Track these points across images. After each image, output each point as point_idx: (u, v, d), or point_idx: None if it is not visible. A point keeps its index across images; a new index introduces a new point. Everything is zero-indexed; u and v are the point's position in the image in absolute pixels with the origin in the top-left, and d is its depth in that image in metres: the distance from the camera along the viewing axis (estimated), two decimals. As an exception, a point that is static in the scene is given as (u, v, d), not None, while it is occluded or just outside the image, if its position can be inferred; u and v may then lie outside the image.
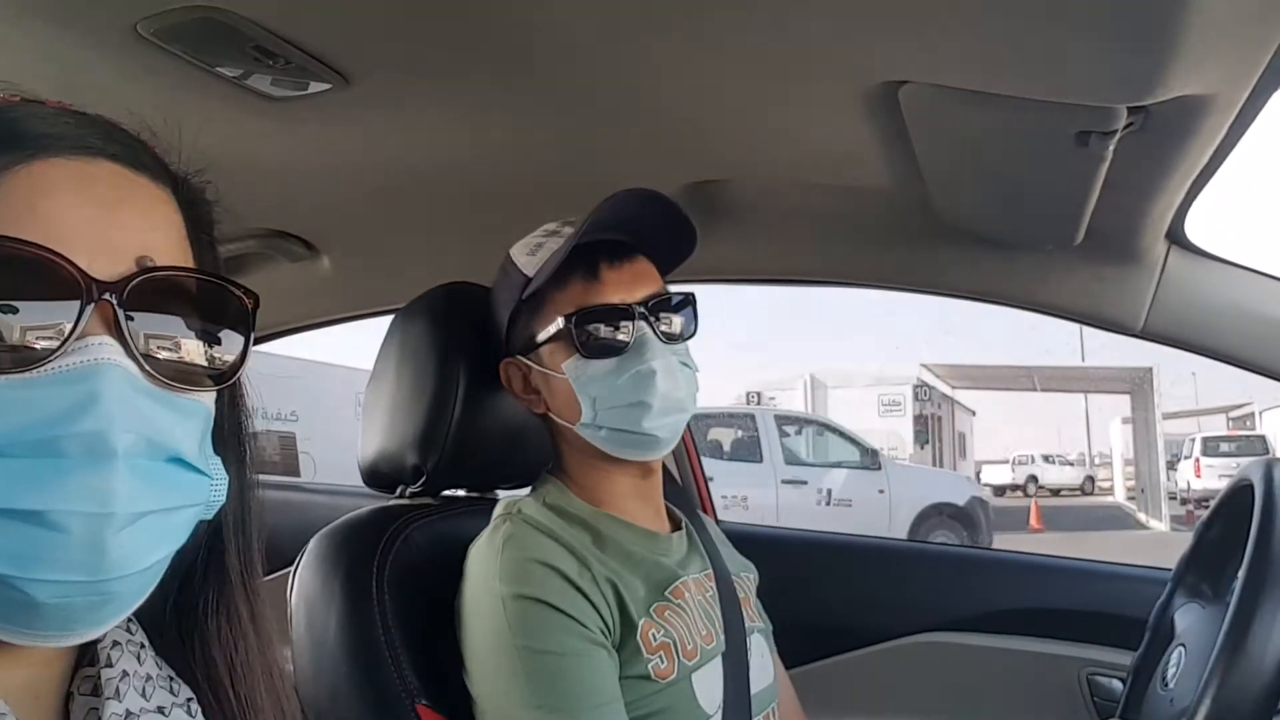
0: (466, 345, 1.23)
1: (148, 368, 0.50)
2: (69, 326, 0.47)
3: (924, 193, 1.34)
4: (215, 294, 0.55)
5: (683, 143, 1.35)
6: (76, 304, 0.48)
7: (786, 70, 1.07)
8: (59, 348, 0.47)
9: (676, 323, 1.15)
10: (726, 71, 1.09)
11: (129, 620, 0.58)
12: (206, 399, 0.55)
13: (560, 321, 1.11)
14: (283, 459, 9.99)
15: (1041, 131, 1.07)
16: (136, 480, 0.48)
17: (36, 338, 0.47)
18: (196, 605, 0.60)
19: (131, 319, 0.49)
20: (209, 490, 0.54)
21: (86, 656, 0.56)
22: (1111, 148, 1.04)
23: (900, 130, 1.14)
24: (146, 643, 0.59)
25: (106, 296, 0.48)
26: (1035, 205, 1.37)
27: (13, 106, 0.53)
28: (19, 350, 0.47)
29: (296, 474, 9.62)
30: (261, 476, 0.65)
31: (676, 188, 1.48)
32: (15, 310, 0.47)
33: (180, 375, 0.52)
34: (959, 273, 1.60)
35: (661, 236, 1.15)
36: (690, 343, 1.18)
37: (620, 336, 1.10)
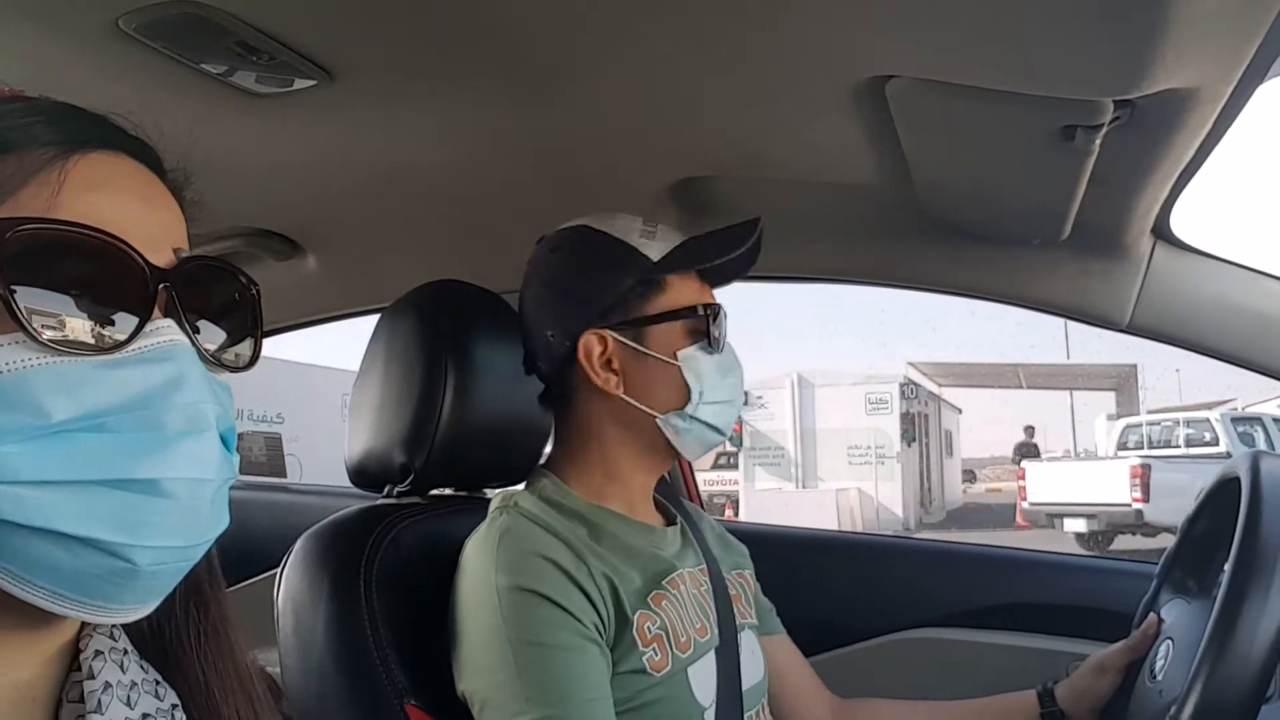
0: (454, 343, 1.23)
1: (202, 350, 0.54)
2: (142, 311, 0.51)
3: (911, 188, 1.35)
4: (233, 284, 0.59)
5: (669, 139, 1.34)
6: (144, 290, 0.51)
7: (773, 65, 1.07)
8: (137, 330, 0.50)
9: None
10: (713, 67, 1.09)
11: (113, 626, 0.58)
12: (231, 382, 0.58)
13: (700, 310, 1.15)
14: (269, 460, 9.96)
15: (1028, 125, 1.07)
16: (220, 450, 0.52)
17: (114, 322, 0.50)
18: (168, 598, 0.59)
19: (184, 305, 0.53)
20: (234, 469, 0.57)
21: (75, 663, 0.55)
22: (1098, 142, 1.04)
23: (887, 125, 1.14)
24: (130, 648, 0.58)
25: (164, 284, 0.52)
26: (1022, 200, 1.37)
27: (13, 99, 0.55)
28: (99, 333, 0.49)
29: (283, 475, 9.60)
30: (248, 478, 0.65)
31: (664, 184, 1.48)
32: (90, 295, 0.50)
33: (221, 358, 0.56)
34: (946, 268, 1.61)
35: (724, 266, 1.20)
36: None
37: (723, 338, 1.18)
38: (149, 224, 0.53)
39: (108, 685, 0.54)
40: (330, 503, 1.47)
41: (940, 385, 21.60)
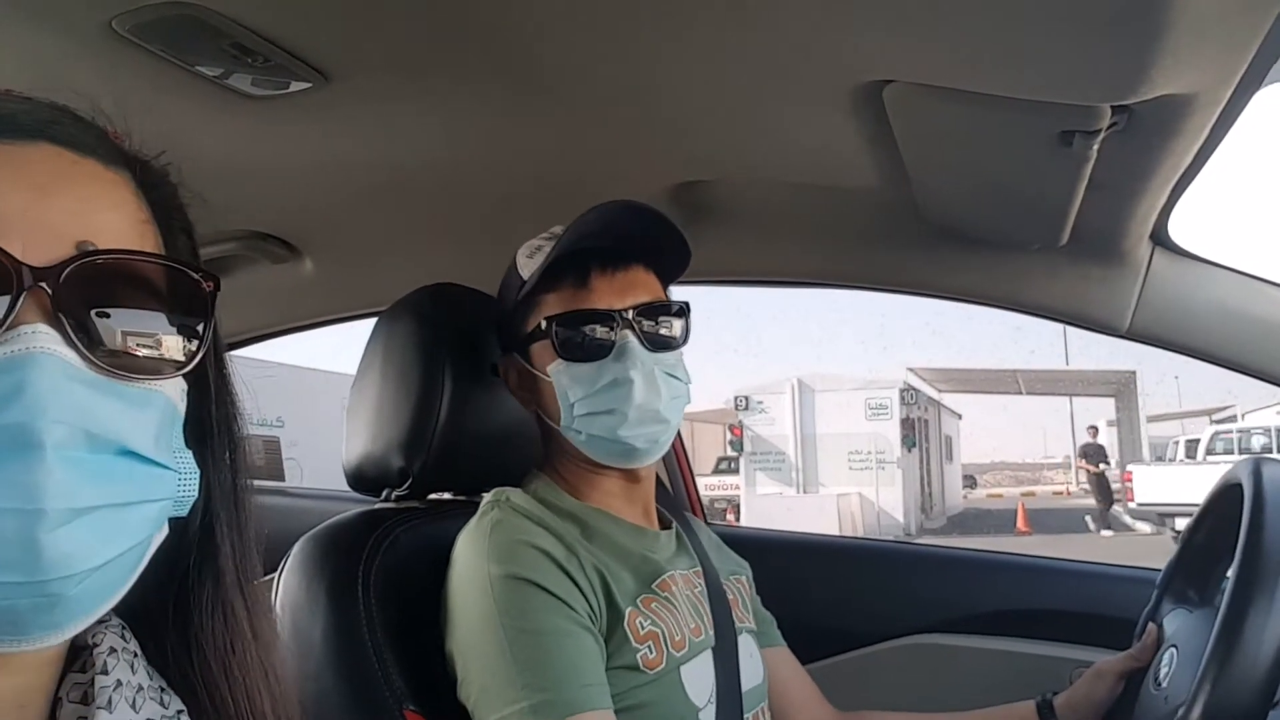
0: (452, 347, 1.22)
1: (89, 356, 0.48)
2: (1, 315, 0.45)
3: (909, 193, 1.35)
4: (170, 278, 0.53)
5: (668, 142, 1.34)
6: (9, 291, 0.46)
7: (771, 69, 1.07)
8: None
9: (665, 330, 1.14)
10: (711, 70, 1.09)
11: (122, 626, 0.57)
12: (167, 388, 0.52)
13: (542, 323, 1.12)
14: (267, 463, 9.96)
15: (1026, 130, 1.07)
16: (72, 474, 0.45)
17: None
18: (191, 607, 0.58)
19: (72, 305, 0.47)
20: (175, 485, 0.52)
21: (77, 662, 0.55)
22: (1095, 147, 1.04)
23: (885, 130, 1.14)
24: (140, 652, 0.57)
25: (41, 283, 0.46)
26: (1020, 205, 1.37)
27: None
28: None
29: (281, 478, 9.59)
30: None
31: (662, 188, 1.48)
32: None
33: (130, 363, 0.50)
34: (945, 273, 1.60)
35: (660, 246, 1.16)
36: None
37: (601, 342, 1.11)
38: (45, 214, 0.48)
39: (119, 684, 0.53)
40: (328, 506, 1.46)
41: (940, 391, 21.61)
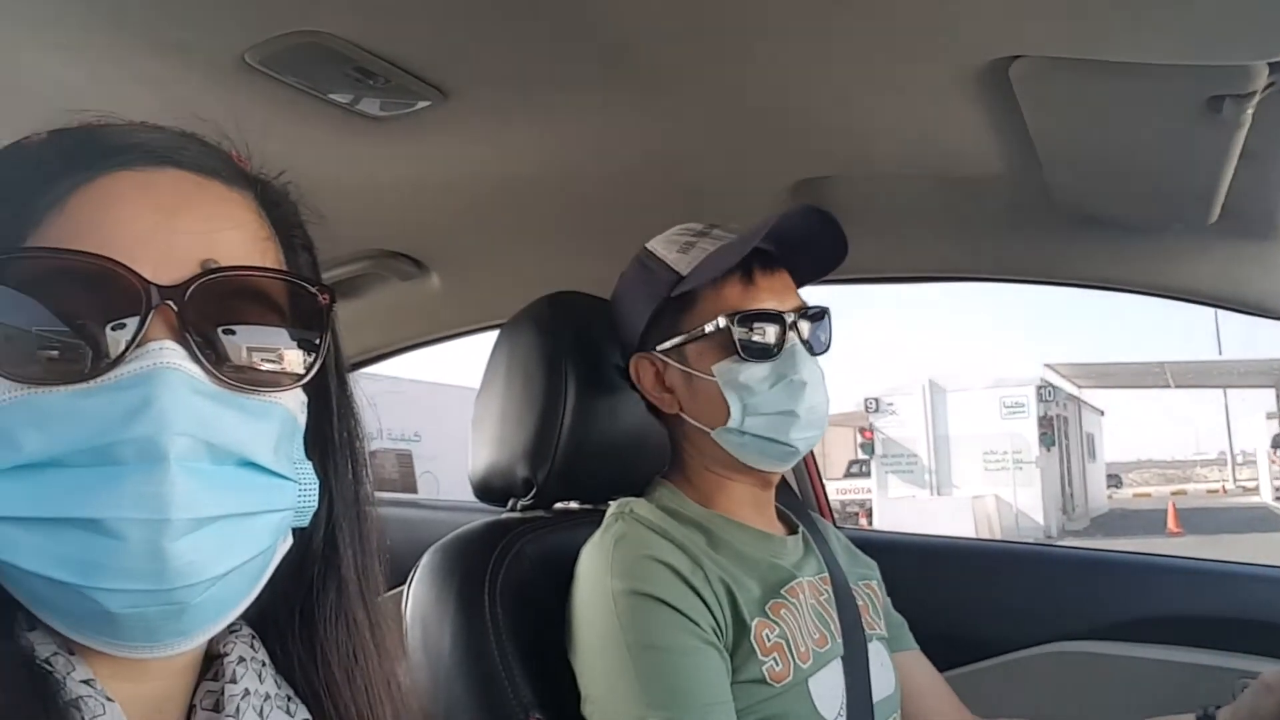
0: (573, 354, 1.23)
1: (213, 370, 0.50)
2: (131, 333, 0.48)
3: (1040, 176, 1.29)
4: (289, 293, 0.55)
5: (786, 138, 1.32)
6: (137, 308, 0.48)
7: (888, 54, 1.04)
8: (120, 355, 0.48)
9: (821, 334, 1.15)
10: (826, 60, 1.07)
11: (252, 636, 0.59)
12: (285, 401, 0.54)
13: (721, 321, 1.10)
14: (400, 476, 10.32)
15: (1168, 100, 1.01)
16: (195, 485, 0.47)
17: (103, 348, 0.48)
18: (316, 616, 0.60)
19: (198, 321, 0.50)
20: (295, 495, 0.54)
21: (210, 670, 0.57)
22: (1249, 112, 0.98)
23: (1012, 110, 1.09)
24: (268, 660, 0.59)
25: (168, 301, 0.49)
26: (1164, 182, 1.29)
27: (92, 129, 0.55)
28: (86, 361, 0.47)
29: (414, 490, 9.92)
30: (380, 494, 0.65)
31: (781, 186, 1.45)
32: (82, 322, 0.48)
33: (252, 376, 0.52)
34: (1081, 261, 1.54)
35: (810, 251, 1.16)
36: None
37: (774, 343, 1.10)
38: (171, 236, 0.51)
39: (246, 692, 0.56)
40: (458, 517, 1.49)
41: (1080, 387, 20.75)
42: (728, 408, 1.10)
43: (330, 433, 0.60)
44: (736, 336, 1.09)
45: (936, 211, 1.54)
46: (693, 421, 1.14)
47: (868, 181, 1.47)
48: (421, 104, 1.15)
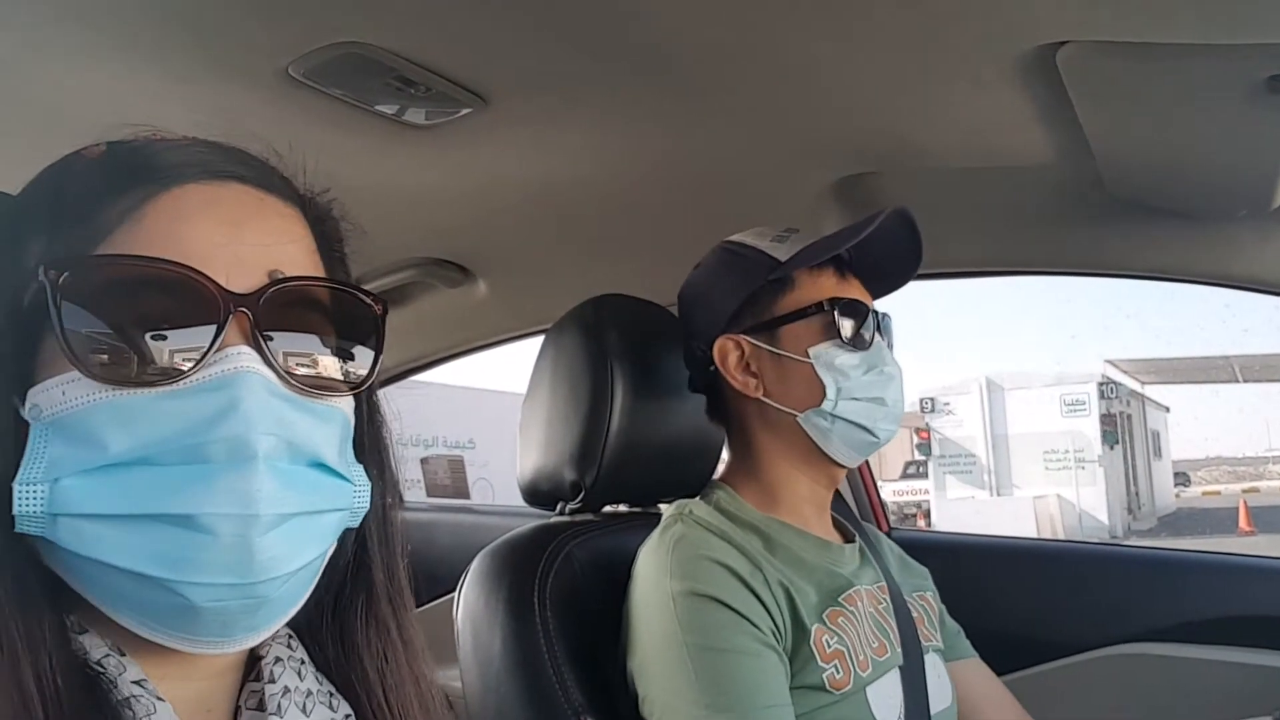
0: (619, 356, 1.22)
1: (285, 374, 0.52)
2: (210, 339, 0.50)
3: (1092, 165, 1.26)
4: (346, 302, 0.58)
5: (827, 137, 1.31)
6: (215, 315, 0.50)
7: (930, 45, 1.02)
8: (202, 359, 0.50)
9: (890, 335, 1.19)
10: (866, 55, 1.05)
11: (289, 636, 0.61)
12: (344, 405, 0.56)
13: (826, 305, 1.13)
14: (453, 481, 10.42)
15: (1225, 81, 0.97)
16: (279, 482, 0.49)
17: (183, 352, 0.50)
18: (347, 618, 0.62)
19: (267, 328, 0.52)
20: (353, 496, 0.56)
21: (253, 671, 0.58)
22: (1311, 92, 0.94)
23: (1061, 98, 1.07)
24: (307, 658, 0.61)
25: (242, 309, 0.51)
26: (1222, 167, 1.25)
27: (151, 143, 0.57)
28: (168, 364, 0.50)
29: (466, 495, 10.01)
30: (433, 500, 0.66)
31: (824, 185, 1.44)
32: (163, 327, 0.50)
33: (316, 381, 0.54)
34: (1138, 251, 1.49)
35: (881, 267, 1.19)
36: None
37: (867, 334, 1.14)
38: (240, 248, 0.53)
39: (286, 690, 0.57)
40: (509, 522, 1.50)
41: (1143, 383, 20.24)
42: (822, 389, 1.11)
43: (362, 438, 0.61)
44: (838, 320, 1.12)
45: (985, 204, 1.52)
46: (777, 405, 1.14)
47: (911, 176, 1.45)
48: (464, 111, 1.16)
